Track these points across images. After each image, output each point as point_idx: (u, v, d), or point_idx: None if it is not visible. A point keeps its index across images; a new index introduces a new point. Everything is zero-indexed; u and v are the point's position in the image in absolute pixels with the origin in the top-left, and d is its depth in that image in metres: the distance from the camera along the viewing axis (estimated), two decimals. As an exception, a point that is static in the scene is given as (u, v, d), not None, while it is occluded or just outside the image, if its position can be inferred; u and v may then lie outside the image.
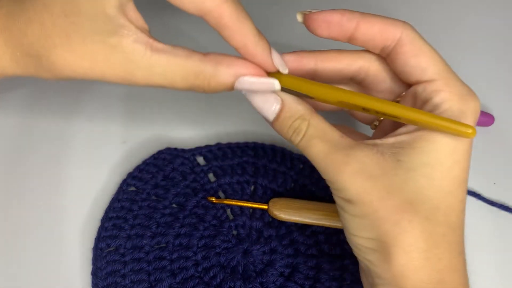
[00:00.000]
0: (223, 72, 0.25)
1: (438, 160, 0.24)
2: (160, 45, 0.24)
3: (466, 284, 0.26)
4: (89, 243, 0.34)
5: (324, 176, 0.26)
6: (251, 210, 0.36)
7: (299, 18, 0.27)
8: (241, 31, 0.24)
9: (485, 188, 0.39)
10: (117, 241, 0.34)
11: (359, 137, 0.29)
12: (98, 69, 0.25)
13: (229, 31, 0.24)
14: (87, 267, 0.33)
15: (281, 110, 0.26)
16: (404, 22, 0.26)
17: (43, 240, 0.34)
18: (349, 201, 0.25)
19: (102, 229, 0.34)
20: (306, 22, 0.27)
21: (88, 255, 0.34)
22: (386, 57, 0.27)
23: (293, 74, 0.27)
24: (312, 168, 0.37)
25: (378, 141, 0.25)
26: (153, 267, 0.33)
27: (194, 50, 0.25)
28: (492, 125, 0.41)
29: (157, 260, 0.33)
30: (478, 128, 0.41)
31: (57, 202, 0.36)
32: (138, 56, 0.24)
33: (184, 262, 0.34)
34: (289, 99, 0.26)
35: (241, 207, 0.36)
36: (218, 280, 0.33)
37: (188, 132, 0.39)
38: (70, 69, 0.25)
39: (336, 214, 0.34)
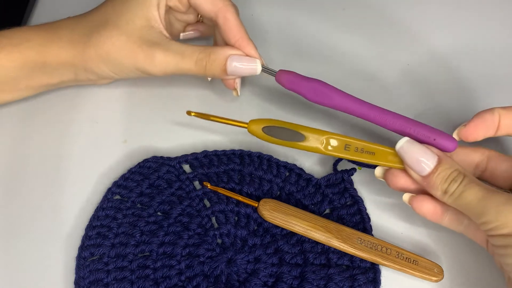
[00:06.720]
0: (219, 51, 0.35)
1: None
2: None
3: None
4: (74, 252, 0.34)
5: (482, 217, 0.28)
6: (236, 218, 0.36)
7: (456, 137, 0.33)
8: (239, 27, 0.36)
9: None
10: (101, 249, 0.34)
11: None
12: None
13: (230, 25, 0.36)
14: (71, 276, 0.33)
15: (439, 163, 0.30)
16: None
17: (27, 250, 0.35)
18: None
19: (85, 238, 0.34)
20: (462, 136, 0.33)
21: (72, 264, 0.34)
22: None
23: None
24: (298, 175, 0.37)
25: None
26: (136, 275, 0.33)
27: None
28: None
29: (141, 269, 0.33)
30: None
31: (43, 212, 0.36)
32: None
33: (168, 271, 0.33)
34: (444, 154, 0.31)
35: (226, 215, 0.35)
36: (201, 289, 0.33)
37: (175, 141, 0.39)
38: None
39: (323, 228, 0.33)
